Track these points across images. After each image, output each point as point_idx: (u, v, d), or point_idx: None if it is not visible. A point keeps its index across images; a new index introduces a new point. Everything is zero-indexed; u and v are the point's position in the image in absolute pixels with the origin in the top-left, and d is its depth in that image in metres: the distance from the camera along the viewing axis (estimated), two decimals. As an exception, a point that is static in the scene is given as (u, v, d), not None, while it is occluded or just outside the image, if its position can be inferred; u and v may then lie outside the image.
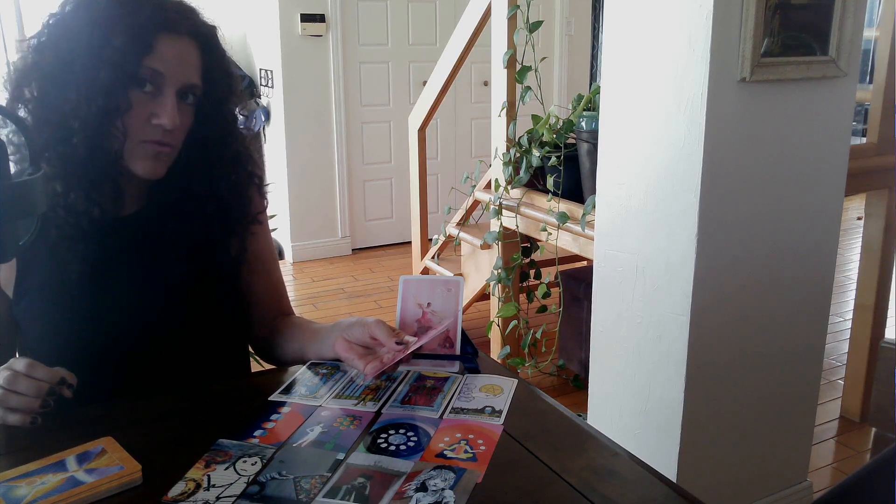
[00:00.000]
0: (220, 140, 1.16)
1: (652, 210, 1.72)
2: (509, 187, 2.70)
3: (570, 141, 2.54)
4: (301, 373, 1.13)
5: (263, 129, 4.68)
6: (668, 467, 1.78)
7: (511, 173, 2.69)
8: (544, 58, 2.85)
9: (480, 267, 3.10)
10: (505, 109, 2.71)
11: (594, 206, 1.98)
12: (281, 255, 4.65)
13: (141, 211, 1.15)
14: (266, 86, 4.61)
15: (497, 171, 2.77)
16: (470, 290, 3.20)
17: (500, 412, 0.99)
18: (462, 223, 3.23)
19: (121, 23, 1.01)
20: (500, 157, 2.74)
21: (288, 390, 1.07)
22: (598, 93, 2.02)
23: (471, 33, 2.97)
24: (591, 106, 2.40)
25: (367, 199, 4.83)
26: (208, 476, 0.84)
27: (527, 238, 2.84)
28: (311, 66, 4.46)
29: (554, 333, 2.80)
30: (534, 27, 2.53)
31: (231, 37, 1.19)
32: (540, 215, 2.53)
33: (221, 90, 1.13)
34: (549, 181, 2.48)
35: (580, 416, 1.23)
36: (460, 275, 3.21)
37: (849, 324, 2.76)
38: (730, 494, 1.91)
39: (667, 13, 1.61)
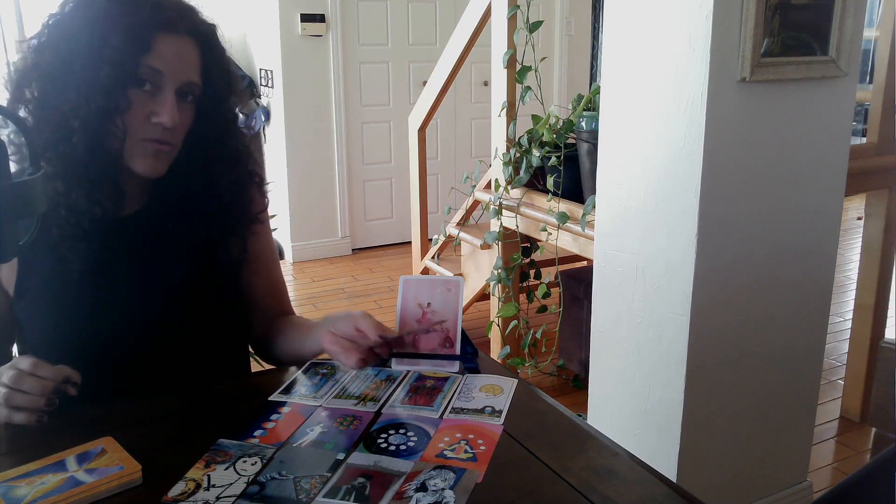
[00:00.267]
0: (219, 138, 1.16)
1: (652, 210, 1.72)
2: (509, 187, 2.70)
3: (570, 141, 2.54)
4: (301, 373, 1.13)
5: (263, 129, 4.67)
6: (668, 467, 1.78)
7: (511, 173, 2.69)
8: (544, 58, 2.85)
9: (480, 267, 3.10)
10: (505, 109, 2.71)
11: (594, 206, 1.98)
12: (281, 255, 4.65)
13: (142, 210, 1.15)
14: (266, 86, 4.61)
15: (497, 171, 2.77)
16: (470, 290, 3.20)
17: (500, 412, 0.99)
18: (462, 223, 3.23)
19: (120, 22, 1.01)
20: (500, 157, 2.74)
21: (288, 390, 1.07)
22: (598, 93, 2.02)
23: (471, 33, 2.97)
24: (591, 106, 2.40)
25: (367, 199, 4.83)
26: (208, 476, 0.84)
27: (527, 238, 2.84)
28: (311, 66, 4.45)
29: (554, 333, 2.80)
30: (534, 27, 2.53)
31: (231, 37, 1.19)
32: (540, 215, 2.53)
33: (221, 88, 1.13)
34: (549, 181, 2.48)
35: (580, 416, 1.23)
36: (460, 275, 3.21)
37: (849, 324, 2.76)
38: (730, 494, 1.91)
39: (667, 13, 1.61)
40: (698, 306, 1.68)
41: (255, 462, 0.87)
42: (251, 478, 0.84)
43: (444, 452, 0.89)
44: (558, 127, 2.58)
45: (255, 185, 1.24)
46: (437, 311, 1.15)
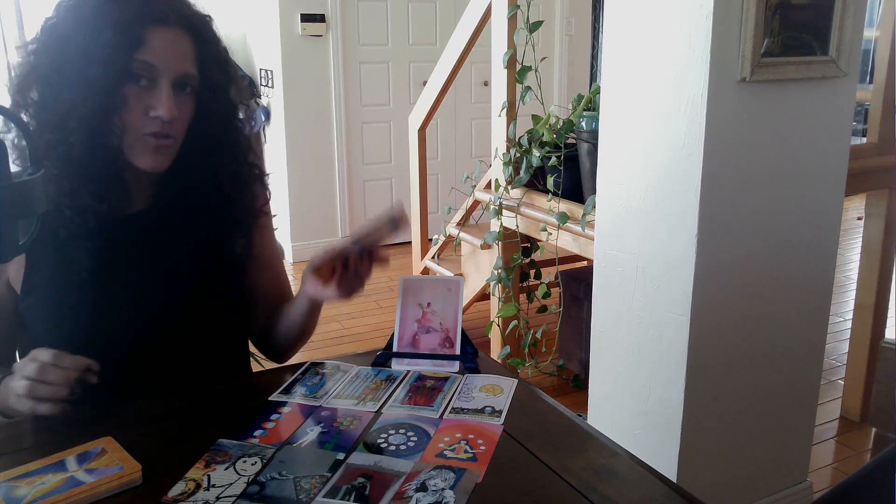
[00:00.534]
0: (220, 129, 1.15)
1: (652, 210, 1.72)
2: (509, 187, 2.70)
3: (570, 141, 2.53)
4: (301, 373, 1.13)
5: (263, 129, 4.67)
6: (668, 467, 1.78)
7: (511, 173, 2.69)
8: (544, 58, 2.85)
9: (480, 267, 3.10)
10: (505, 109, 2.71)
11: (594, 206, 1.98)
12: (281, 255, 4.64)
13: (148, 207, 1.16)
14: (266, 86, 4.61)
15: (497, 171, 2.77)
16: (470, 290, 3.20)
17: (500, 412, 0.99)
18: (462, 223, 3.23)
19: (110, 20, 1.02)
20: (500, 157, 2.74)
21: (288, 390, 1.07)
22: (598, 93, 2.02)
23: (471, 33, 2.97)
24: (591, 106, 2.40)
25: (367, 199, 4.83)
26: (208, 476, 0.84)
27: (527, 238, 2.84)
28: (311, 66, 4.45)
29: (554, 333, 2.80)
30: (534, 27, 2.53)
31: (231, 37, 1.19)
32: (540, 215, 2.53)
33: (218, 78, 1.13)
34: (549, 181, 2.48)
35: (580, 416, 1.23)
36: (460, 275, 3.21)
37: (849, 324, 2.76)
38: (730, 494, 1.91)
39: (667, 13, 1.61)
40: (698, 306, 1.68)
41: (255, 462, 0.87)
42: (251, 478, 0.84)
43: (444, 452, 0.89)
44: (558, 127, 2.58)
45: (255, 177, 1.24)
46: (437, 311, 1.15)
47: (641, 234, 1.76)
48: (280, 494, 0.81)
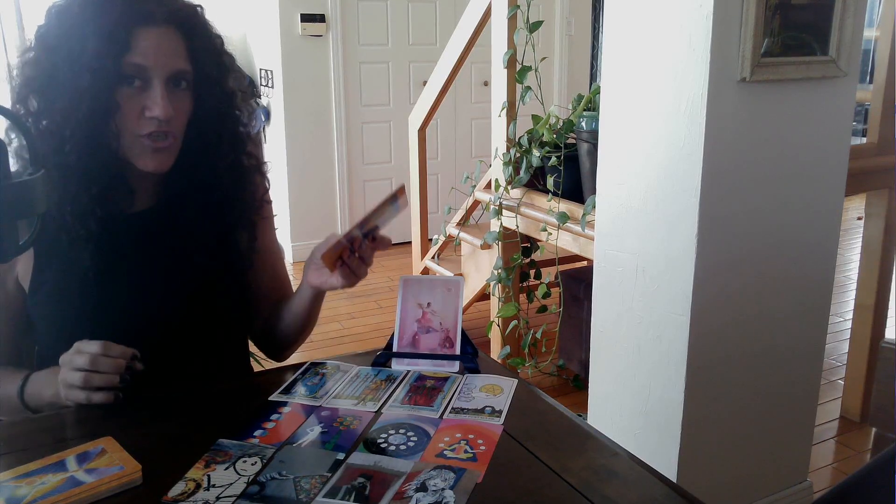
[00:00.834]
0: (218, 120, 1.14)
1: (652, 210, 1.72)
2: (509, 187, 2.70)
3: (570, 141, 2.53)
4: (301, 373, 1.13)
5: (263, 129, 4.67)
6: (668, 467, 1.78)
7: (511, 173, 2.69)
8: (544, 58, 2.85)
9: (480, 267, 3.10)
10: (505, 109, 2.71)
11: (594, 206, 1.98)
12: (282, 254, 4.64)
13: (152, 206, 1.16)
14: (266, 86, 4.61)
15: (497, 171, 2.77)
16: (470, 290, 3.20)
17: (500, 412, 0.99)
18: (462, 223, 3.23)
19: (95, 25, 1.01)
20: (500, 157, 2.74)
21: (288, 390, 1.07)
22: (598, 93, 2.02)
23: (471, 33, 2.97)
24: (591, 106, 2.40)
25: (368, 199, 4.83)
26: (208, 476, 0.84)
27: (527, 238, 2.84)
28: (311, 66, 4.45)
29: (554, 333, 2.80)
30: (534, 27, 2.53)
31: (231, 37, 1.19)
32: (540, 215, 2.53)
33: (212, 70, 1.12)
34: (549, 181, 2.48)
35: (580, 416, 1.23)
36: (460, 275, 3.21)
37: (849, 324, 2.76)
38: (730, 494, 1.91)
39: (667, 13, 1.61)
40: (698, 306, 1.68)
41: (255, 462, 0.87)
42: (251, 478, 0.84)
43: (444, 452, 0.89)
44: (558, 127, 2.58)
45: (255, 167, 1.23)
46: (437, 311, 1.15)
47: (641, 233, 1.76)
48: (280, 494, 0.81)
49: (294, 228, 4.61)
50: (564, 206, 2.44)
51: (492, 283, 2.84)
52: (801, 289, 1.85)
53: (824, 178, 1.80)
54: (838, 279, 3.58)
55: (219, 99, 1.14)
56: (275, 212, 1.33)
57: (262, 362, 1.51)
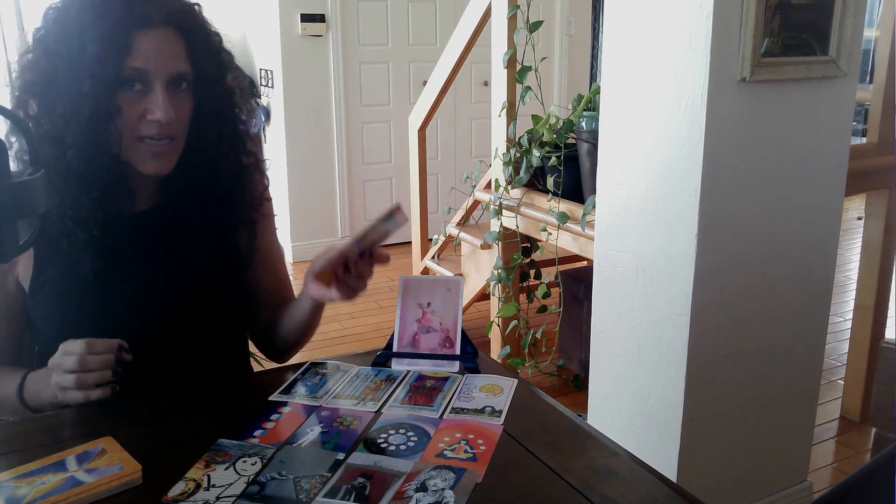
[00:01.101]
0: (218, 119, 1.14)
1: (652, 210, 1.72)
2: (509, 187, 2.70)
3: (570, 141, 2.53)
4: (301, 373, 1.13)
5: (263, 129, 4.67)
6: (668, 467, 1.78)
7: (511, 173, 2.69)
8: (544, 58, 2.85)
9: (480, 267, 3.10)
10: (505, 109, 2.71)
11: (594, 206, 1.98)
12: (282, 255, 4.64)
13: (153, 206, 1.16)
14: (266, 86, 4.61)
15: (497, 171, 2.77)
16: (470, 290, 3.20)
17: (500, 412, 0.99)
18: (462, 223, 3.23)
19: (93, 30, 1.01)
20: (500, 157, 2.74)
21: (288, 390, 1.07)
22: (598, 93, 2.02)
23: (471, 33, 2.97)
24: (591, 106, 2.40)
25: (367, 199, 4.83)
26: (208, 476, 0.84)
27: (527, 238, 2.84)
28: (311, 66, 4.45)
29: (554, 333, 2.80)
30: (534, 27, 2.53)
31: (231, 37, 1.18)
32: (540, 215, 2.53)
33: (212, 69, 1.12)
34: (549, 181, 2.48)
35: (580, 416, 1.23)
36: (460, 275, 3.21)
37: (849, 324, 2.76)
38: (730, 494, 1.91)
39: (667, 13, 1.61)
40: (698, 306, 1.68)
41: (255, 462, 0.87)
42: (251, 478, 0.84)
43: (444, 452, 0.89)
44: (558, 127, 2.58)
45: (254, 165, 1.23)
46: (437, 311, 1.15)
47: (641, 233, 1.76)
48: (280, 494, 0.81)
49: (294, 228, 4.61)
50: (564, 206, 2.44)
51: (492, 283, 2.84)
52: (801, 289, 1.85)
53: (824, 178, 1.80)
54: (838, 279, 3.58)
55: (218, 97, 1.13)
56: (275, 212, 1.33)
57: (262, 362, 1.51)
